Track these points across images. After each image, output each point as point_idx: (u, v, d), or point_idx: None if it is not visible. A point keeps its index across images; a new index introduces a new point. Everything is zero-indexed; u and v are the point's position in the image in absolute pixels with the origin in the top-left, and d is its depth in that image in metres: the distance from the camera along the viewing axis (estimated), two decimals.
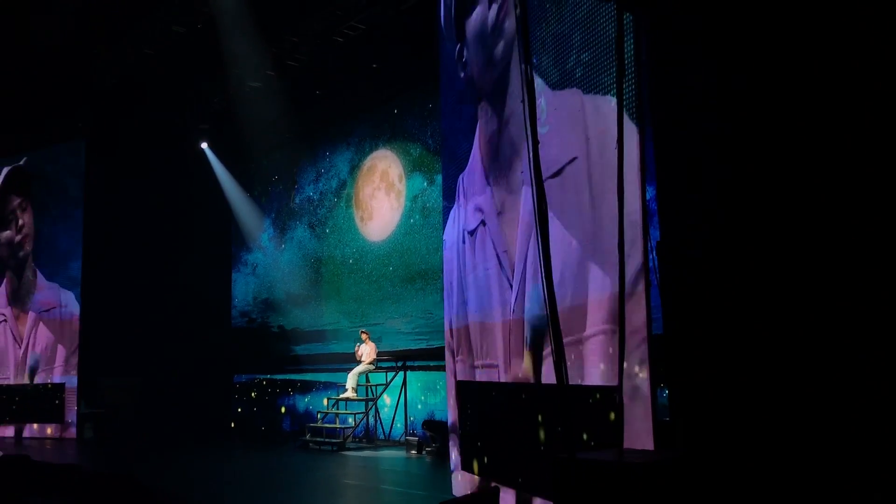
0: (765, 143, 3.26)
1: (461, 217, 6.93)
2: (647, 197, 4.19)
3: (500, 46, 6.05)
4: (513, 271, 5.71)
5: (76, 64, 11.90)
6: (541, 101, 5.25)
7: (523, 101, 3.66)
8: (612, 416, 4.17)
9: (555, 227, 4.51)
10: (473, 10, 6.54)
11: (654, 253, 3.92)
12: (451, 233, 7.37)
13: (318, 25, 10.69)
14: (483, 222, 6.33)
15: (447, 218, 7.46)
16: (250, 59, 11.28)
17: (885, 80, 2.83)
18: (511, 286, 5.73)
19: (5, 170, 14.55)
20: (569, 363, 4.40)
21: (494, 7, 6.19)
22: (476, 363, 6.46)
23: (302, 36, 11.02)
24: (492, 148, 6.19)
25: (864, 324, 2.86)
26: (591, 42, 4.80)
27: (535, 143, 3.58)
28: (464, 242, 6.82)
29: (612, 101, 4.39)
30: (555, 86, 5.23)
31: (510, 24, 5.91)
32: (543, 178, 4.43)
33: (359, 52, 11.23)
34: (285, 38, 11.10)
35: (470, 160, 6.67)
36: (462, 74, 6.79)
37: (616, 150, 3.80)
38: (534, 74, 4.95)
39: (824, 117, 3.02)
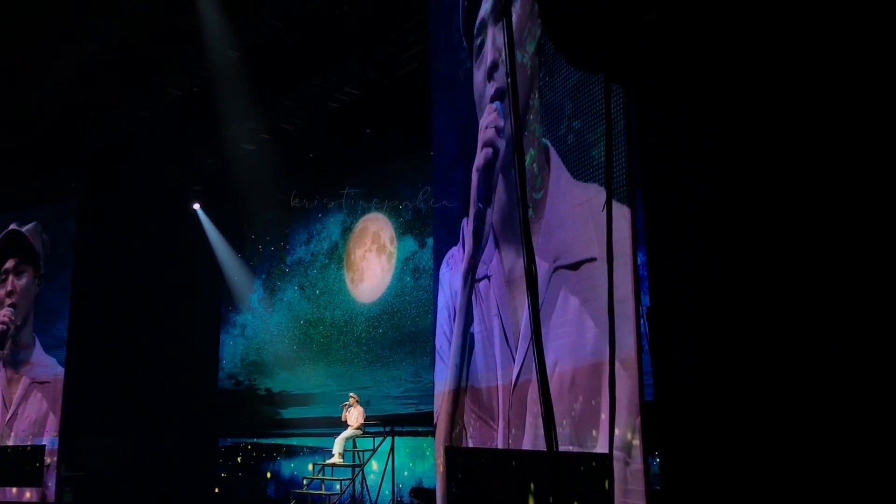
0: (754, 211, 3.30)
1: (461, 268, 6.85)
2: (638, 262, 4.21)
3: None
4: (517, 342, 5.66)
5: (71, 124, 12.00)
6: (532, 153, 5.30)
7: (513, 168, 3.71)
8: (606, 483, 4.10)
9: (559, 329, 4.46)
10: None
11: (645, 318, 3.92)
12: (446, 292, 7.32)
13: (312, 90, 10.87)
14: (488, 277, 6.29)
15: (437, 282, 7.46)
16: (245, 123, 11.42)
17: (876, 154, 2.89)
18: (513, 358, 5.68)
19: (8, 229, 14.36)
20: (560, 430, 4.35)
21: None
22: (474, 423, 6.37)
23: (297, 100, 11.18)
24: (503, 215, 6.17)
25: (853, 390, 2.84)
26: (582, 110, 4.89)
27: (525, 208, 3.60)
28: (464, 286, 6.72)
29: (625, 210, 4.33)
30: (577, 175, 5.13)
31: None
32: (559, 265, 4.40)
33: (352, 116, 11.39)
34: (280, 103, 11.27)
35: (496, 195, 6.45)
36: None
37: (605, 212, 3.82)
38: (551, 151, 4.98)
39: (814, 183, 3.06)
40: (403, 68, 10.03)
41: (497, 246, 6.20)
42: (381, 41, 9.74)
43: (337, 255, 13.43)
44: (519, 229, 5.77)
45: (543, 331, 3.65)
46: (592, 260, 4.82)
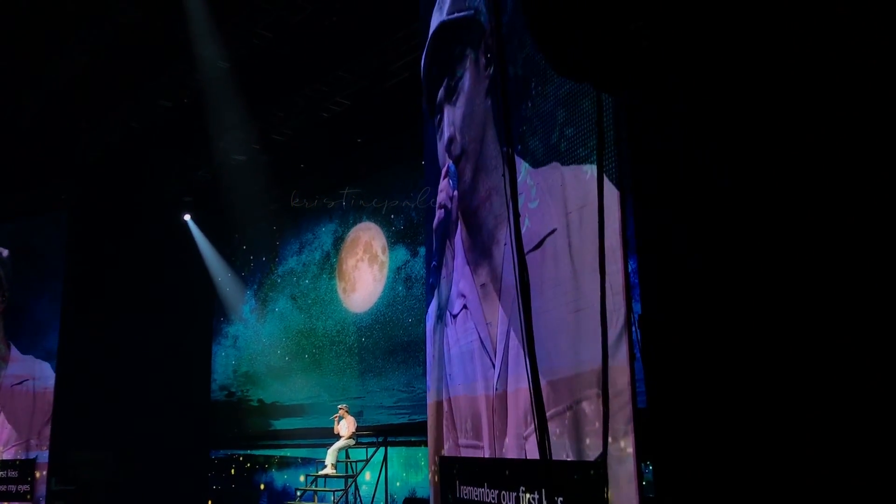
0: (746, 217, 3.31)
1: (444, 292, 6.98)
2: (629, 269, 4.22)
3: (478, 118, 6.21)
4: (494, 349, 5.69)
5: (61, 136, 11.98)
6: (523, 177, 5.33)
7: (504, 175, 3.72)
8: (601, 492, 4.10)
9: (535, 301, 4.52)
10: (449, 79, 6.80)
11: (637, 326, 3.92)
12: (433, 307, 7.39)
13: (303, 101, 10.88)
14: (465, 306, 6.39)
15: (430, 291, 7.50)
16: (236, 133, 11.41)
17: (866, 159, 2.90)
18: (493, 364, 5.70)
19: None
20: (553, 438, 4.34)
21: (468, 76, 6.42)
22: (460, 441, 6.38)
23: (287, 111, 11.19)
24: (474, 240, 6.27)
25: (847, 397, 2.85)
26: (574, 119, 4.90)
27: (517, 216, 3.61)
28: (445, 324, 6.86)
29: (590, 170, 4.46)
30: (536, 163, 5.32)
31: (487, 101, 6.06)
32: (525, 251, 4.47)
33: (344, 126, 11.40)
34: (271, 113, 11.27)
35: (455, 256, 6.78)
36: (440, 143, 7.00)
37: (597, 219, 3.84)
38: (515, 151, 5.08)
39: (805, 189, 3.07)
40: (394, 78, 10.05)
41: (471, 271, 6.30)
42: (371, 51, 9.76)
43: (329, 265, 13.41)
44: (491, 252, 5.86)
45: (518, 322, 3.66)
46: (553, 232, 4.90)
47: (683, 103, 3.74)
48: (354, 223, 13.07)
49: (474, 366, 6.12)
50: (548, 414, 4.01)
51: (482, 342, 5.95)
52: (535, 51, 5.34)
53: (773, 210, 3.18)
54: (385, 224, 12.41)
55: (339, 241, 13.32)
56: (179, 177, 13.48)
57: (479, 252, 6.15)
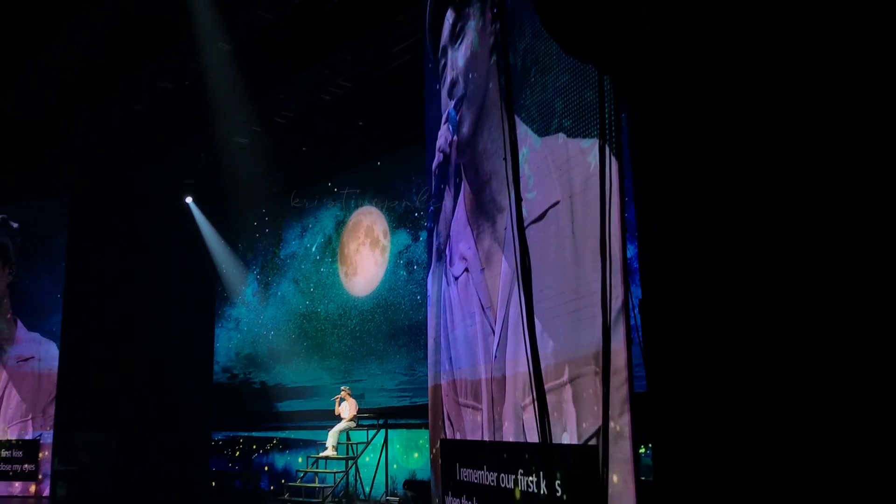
0: (747, 201, 3.30)
1: (446, 266, 7.00)
2: (629, 255, 4.21)
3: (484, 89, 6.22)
4: (495, 317, 5.73)
5: (63, 118, 11.95)
6: (524, 151, 5.32)
7: (505, 159, 3.71)
8: (598, 474, 4.12)
9: (535, 278, 4.52)
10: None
11: (637, 310, 3.92)
12: (434, 287, 7.41)
13: (305, 83, 10.84)
14: (467, 269, 6.41)
15: (430, 235, 7.62)
16: (237, 116, 11.38)
17: (875, 151, 2.89)
18: (493, 331, 5.74)
19: None
20: (552, 416, 4.36)
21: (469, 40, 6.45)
22: (460, 400, 6.44)
23: (289, 93, 11.15)
24: (476, 201, 6.28)
25: (848, 380, 2.85)
26: (572, 107, 4.89)
27: (518, 199, 3.60)
28: (448, 285, 6.89)
29: (593, 152, 4.45)
30: (540, 132, 5.32)
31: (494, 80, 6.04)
32: (526, 223, 4.48)
33: (345, 109, 11.37)
34: (272, 96, 11.23)
35: (456, 211, 6.79)
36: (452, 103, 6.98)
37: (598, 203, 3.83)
38: (518, 123, 5.08)
39: (808, 173, 3.06)
40: (396, 61, 10.01)
41: (472, 234, 6.32)
42: (373, 34, 9.72)
43: (331, 249, 13.42)
44: (494, 218, 5.87)
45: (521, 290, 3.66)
46: (556, 204, 4.90)
47: (687, 88, 3.72)
48: (356, 207, 13.07)
49: (476, 346, 6.14)
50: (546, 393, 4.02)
51: (483, 308, 5.99)
52: (537, 38, 5.33)
53: (776, 195, 3.17)
54: (387, 208, 12.40)
55: (340, 225, 13.32)
56: (181, 160, 13.46)
57: (482, 215, 6.17)
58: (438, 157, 7.11)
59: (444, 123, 6.95)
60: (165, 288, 14.30)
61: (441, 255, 7.19)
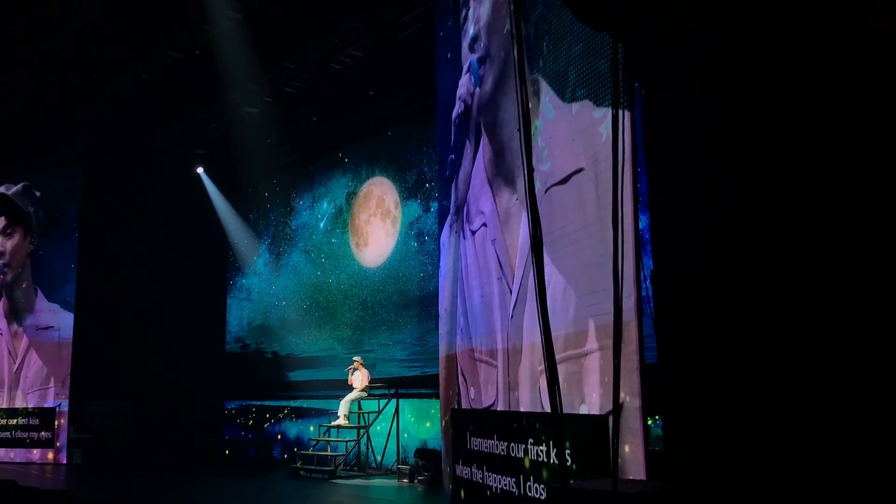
0: (761, 171, 3.27)
1: (463, 220, 7.01)
2: (641, 226, 4.19)
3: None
4: (513, 274, 5.76)
5: (74, 88, 11.94)
6: (537, 124, 5.28)
7: (519, 130, 3.68)
8: (609, 444, 4.14)
9: (556, 243, 4.51)
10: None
11: (648, 282, 3.91)
12: (450, 242, 7.41)
13: (315, 53, 10.78)
14: (485, 224, 6.43)
15: (445, 186, 7.59)
16: (248, 86, 11.34)
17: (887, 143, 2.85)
18: (510, 289, 5.77)
19: None
20: (563, 388, 4.37)
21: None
22: (475, 355, 6.48)
23: (299, 63, 11.09)
24: (496, 161, 6.29)
25: (860, 360, 2.84)
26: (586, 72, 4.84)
27: (531, 171, 3.58)
28: (464, 238, 6.91)
29: (607, 113, 4.43)
30: (553, 102, 5.29)
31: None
32: (549, 184, 4.45)
33: (356, 79, 11.30)
34: (283, 65, 11.17)
35: (475, 166, 6.76)
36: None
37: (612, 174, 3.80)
38: (542, 86, 5.04)
39: (822, 144, 3.03)
40: (406, 30, 9.92)
41: (492, 192, 6.31)
42: (383, 2, 9.62)
43: (342, 220, 13.42)
44: (514, 179, 5.85)
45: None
46: (580, 171, 4.89)
47: (700, 56, 3.67)
48: (367, 178, 13.04)
49: (493, 307, 6.17)
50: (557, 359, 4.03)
51: (501, 266, 6.01)
52: (549, 7, 5.27)
53: (792, 166, 3.14)
54: (398, 179, 12.38)
55: (351, 196, 13.31)
56: (192, 129, 13.45)
57: (502, 174, 6.17)
58: (459, 106, 7.08)
59: (466, 73, 6.90)
60: (178, 258, 14.37)
61: (459, 210, 7.19)
